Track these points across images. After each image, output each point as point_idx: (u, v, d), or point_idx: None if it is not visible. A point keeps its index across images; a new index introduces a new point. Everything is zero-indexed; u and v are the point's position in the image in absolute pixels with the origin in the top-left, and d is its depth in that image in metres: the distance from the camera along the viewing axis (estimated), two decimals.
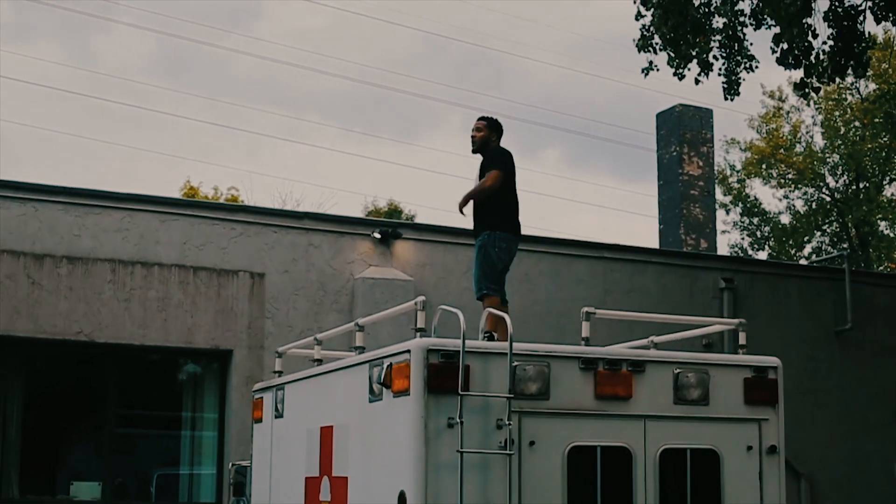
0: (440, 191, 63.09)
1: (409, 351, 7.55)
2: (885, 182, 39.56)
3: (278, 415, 10.33)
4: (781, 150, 39.64)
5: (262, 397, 10.91)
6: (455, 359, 7.49)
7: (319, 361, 10.05)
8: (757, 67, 20.01)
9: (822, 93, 37.93)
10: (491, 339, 9.06)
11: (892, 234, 40.58)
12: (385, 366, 7.84)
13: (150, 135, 58.61)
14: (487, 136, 10.37)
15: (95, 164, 59.93)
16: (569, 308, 17.15)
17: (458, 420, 7.36)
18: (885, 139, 37.36)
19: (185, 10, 65.44)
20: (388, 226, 16.57)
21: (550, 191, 72.11)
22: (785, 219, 41.39)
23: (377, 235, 16.38)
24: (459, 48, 70.86)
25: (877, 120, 36.57)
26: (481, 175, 10.23)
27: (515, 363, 7.62)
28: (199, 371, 15.84)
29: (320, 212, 16.23)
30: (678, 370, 8.22)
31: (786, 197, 41.15)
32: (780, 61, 18.57)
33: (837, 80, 20.46)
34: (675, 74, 20.03)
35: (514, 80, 68.31)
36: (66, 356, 15.23)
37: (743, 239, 42.00)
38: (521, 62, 65.99)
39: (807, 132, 40.15)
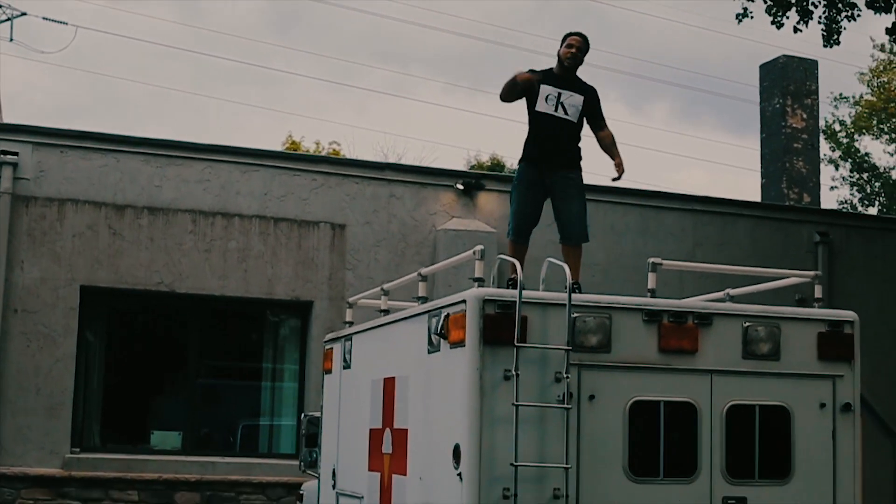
0: None
1: (464, 301, 7.36)
2: None
3: (346, 365, 10.24)
4: (893, 105, 38.53)
5: (332, 348, 10.85)
6: (511, 309, 7.28)
7: (386, 312, 9.91)
8: (859, 16, 19.36)
9: None
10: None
11: None
12: (442, 316, 7.66)
13: (259, 91, 59.14)
14: (583, 58, 9.51)
15: (206, 119, 60.62)
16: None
17: (514, 372, 7.15)
18: None
19: None
20: (471, 177, 16.34)
21: (658, 146, 71.16)
22: None
23: (460, 186, 16.18)
24: (565, 3, 70.05)
25: None
26: (588, 111, 9.40)
27: (575, 314, 7.39)
28: (280, 322, 15.83)
29: (402, 163, 15.96)
30: (748, 323, 7.89)
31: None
32: (869, 4, 17.92)
33: None
34: (772, 23, 19.50)
35: (619, 35, 67.43)
36: (147, 307, 15.34)
37: (853, 195, 41.03)
38: (627, 15, 65.08)
39: None
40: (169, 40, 61.14)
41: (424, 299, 8.72)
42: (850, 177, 40.83)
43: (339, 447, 10.37)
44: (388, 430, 8.87)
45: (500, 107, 62.39)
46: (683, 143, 69.53)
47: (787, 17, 19.39)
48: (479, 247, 7.94)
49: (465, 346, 7.31)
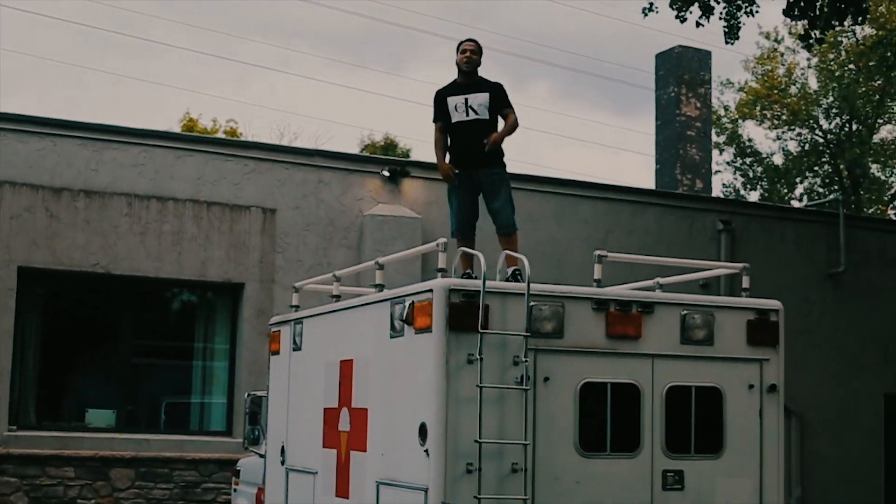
0: (429, 123, 62.83)
1: (431, 290, 7.93)
2: (877, 125, 39.89)
3: (296, 348, 10.72)
4: (776, 92, 39.88)
5: (279, 331, 11.31)
6: (475, 298, 7.88)
7: (338, 297, 10.45)
8: (758, 12, 20.29)
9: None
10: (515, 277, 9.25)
11: (883, 177, 40.97)
12: (407, 304, 8.23)
13: (138, 64, 58.25)
14: (479, 59, 10.32)
15: (83, 92, 59.65)
16: (571, 247, 17.64)
17: (478, 356, 7.76)
18: (879, 82, 37.64)
19: None
20: (397, 164, 16.90)
21: (537, 125, 72.05)
22: (778, 160, 41.75)
23: (386, 173, 16.72)
24: None
25: (871, 63, 36.81)
26: (494, 104, 10.11)
27: (532, 303, 8.01)
28: (212, 304, 16.23)
29: (330, 149, 16.48)
30: (685, 312, 8.61)
31: (778, 138, 41.51)
32: (786, 13, 18.84)
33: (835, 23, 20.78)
34: (677, 17, 20.30)
35: (501, 12, 68.00)
36: (83, 288, 15.65)
37: (735, 179, 42.37)
38: None
39: (801, 74, 40.40)
40: (41, 8, 59.85)
41: (381, 287, 9.30)
42: (734, 162, 42.16)
43: (288, 425, 10.86)
44: (345, 409, 9.41)
45: (383, 84, 62.62)
46: (564, 123, 70.58)
47: (691, 13, 20.18)
48: (443, 239, 8.53)
49: (431, 332, 7.89)
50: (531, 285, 8.05)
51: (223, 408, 15.80)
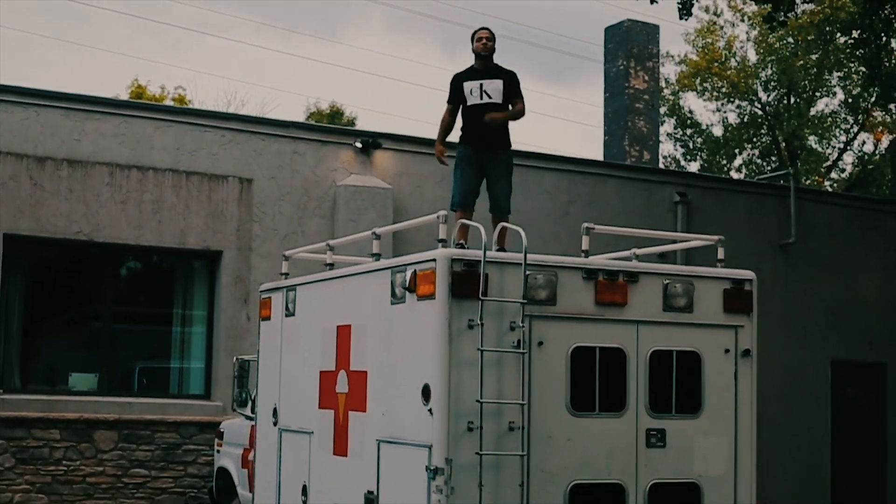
0: (368, 89, 62.82)
1: (434, 259, 8.48)
2: (815, 97, 40.83)
3: (289, 314, 11.22)
4: (716, 64, 40.64)
5: (270, 297, 11.79)
6: (475, 267, 8.43)
7: (332, 266, 10.97)
8: None
9: (755, 8, 39.07)
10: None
11: (820, 149, 41.94)
12: (409, 272, 8.76)
13: (68, 28, 57.37)
14: (494, 46, 11.12)
15: (15, 56, 58.66)
16: (534, 218, 18.18)
17: (479, 322, 8.32)
18: (818, 56, 38.55)
19: None
20: (369, 136, 17.35)
21: None
22: (717, 131, 42.60)
23: (358, 145, 17.18)
24: None
25: (810, 37, 37.70)
26: (507, 91, 10.94)
27: (527, 272, 8.58)
28: (190, 271, 16.63)
29: (305, 121, 16.88)
30: (667, 281, 9.22)
31: (718, 110, 42.33)
32: None
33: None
34: None
35: None
36: (65, 255, 16.00)
37: (676, 150, 43.21)
38: None
39: (741, 47, 41.19)
40: None
41: (378, 256, 9.87)
42: (675, 133, 42.97)
43: (281, 388, 11.36)
44: (342, 372, 9.94)
45: (317, 49, 62.22)
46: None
47: None
48: (443, 212, 9.06)
49: (434, 298, 8.43)
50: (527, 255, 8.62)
51: (201, 372, 16.24)
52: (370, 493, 9.14)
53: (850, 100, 40.05)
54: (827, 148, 42.13)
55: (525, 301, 8.51)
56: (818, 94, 40.69)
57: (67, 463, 14.91)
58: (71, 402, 15.11)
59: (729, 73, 40.43)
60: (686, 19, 21.44)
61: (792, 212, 20.97)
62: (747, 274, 9.64)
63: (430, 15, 66.21)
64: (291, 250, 12.24)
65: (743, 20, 40.14)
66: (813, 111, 40.76)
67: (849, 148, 41.90)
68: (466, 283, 8.42)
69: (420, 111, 67.36)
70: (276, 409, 11.35)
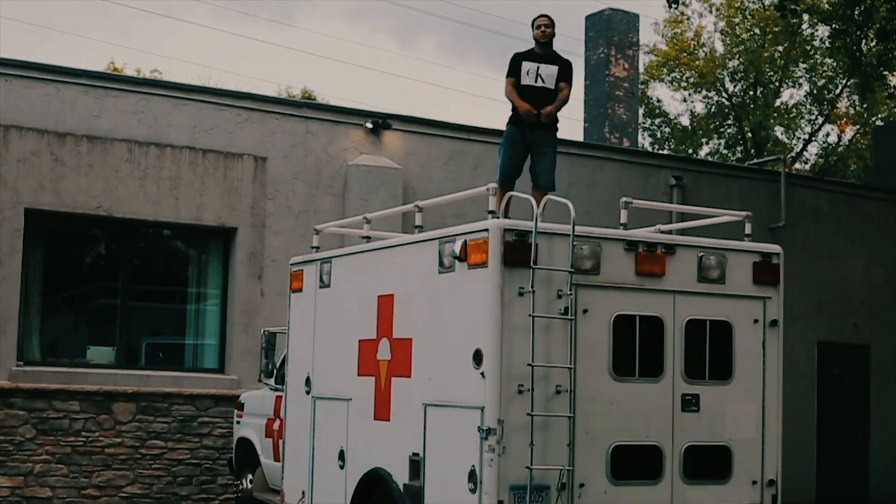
0: (329, 74, 62.51)
1: (487, 230, 8.86)
2: (781, 88, 41.51)
3: (324, 285, 11.56)
4: (685, 54, 41.19)
5: (301, 269, 12.13)
6: (526, 237, 8.83)
7: (368, 238, 11.34)
8: None
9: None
10: None
11: (785, 139, 42.62)
12: (459, 242, 9.13)
13: (16, 5, 56.66)
14: (554, 32, 11.67)
15: None
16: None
17: (531, 289, 8.72)
18: (784, 46, 39.20)
19: None
20: (379, 116, 17.66)
21: (427, 78, 72.44)
22: (685, 121, 43.21)
23: (369, 125, 17.50)
24: None
25: (777, 29, 38.32)
26: (561, 75, 11.48)
27: (574, 243, 8.97)
28: (206, 246, 16.89)
29: (318, 101, 17.19)
30: (701, 254, 9.66)
31: (685, 100, 42.95)
32: None
33: None
34: None
35: None
36: (85, 230, 16.24)
37: (643, 139, 43.82)
38: None
39: (708, 38, 41.78)
40: None
41: (421, 228, 10.25)
42: (643, 122, 43.55)
43: (314, 357, 11.71)
44: (384, 340, 10.31)
45: (271, 34, 61.87)
46: (451, 77, 71.19)
47: None
48: (492, 184, 9.48)
49: (487, 267, 8.82)
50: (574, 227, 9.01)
51: (216, 346, 16.53)
52: (416, 454, 9.53)
53: (815, 91, 40.74)
54: (792, 139, 42.82)
55: (573, 270, 8.90)
56: (785, 84, 41.36)
57: (87, 434, 15.19)
58: (91, 375, 15.37)
59: (697, 63, 40.98)
60: (676, 8, 21.83)
61: (782, 197, 21.47)
62: (775, 248, 10.11)
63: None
64: (322, 224, 12.57)
65: (710, 11, 40.72)
66: (778, 102, 41.41)
67: (813, 139, 42.63)
68: (518, 252, 8.81)
69: (378, 98, 67.62)
70: (308, 378, 11.69)
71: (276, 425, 13.38)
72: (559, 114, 11.55)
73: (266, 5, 64.42)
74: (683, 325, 9.51)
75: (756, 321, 9.87)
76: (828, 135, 42.93)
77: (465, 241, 9.08)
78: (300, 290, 12.14)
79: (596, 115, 26.46)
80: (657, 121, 43.45)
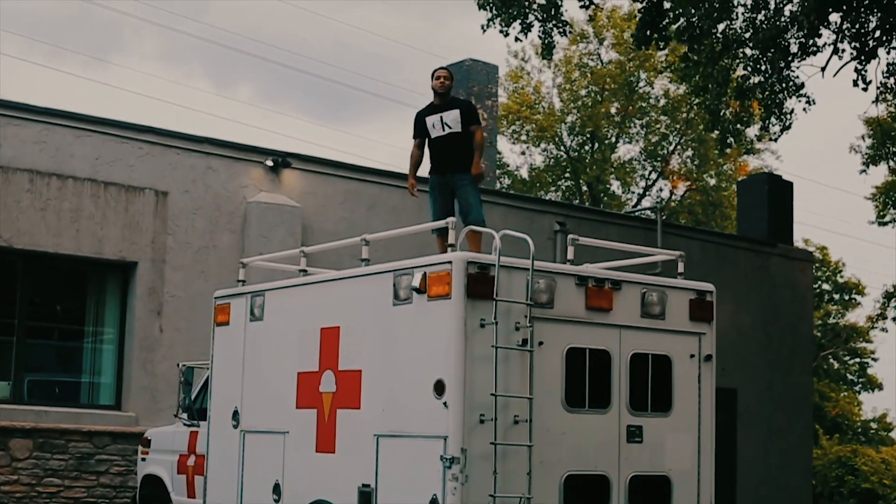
0: (142, 113, 61.82)
1: (450, 262, 9.04)
2: (617, 144, 42.91)
3: (255, 318, 11.52)
4: (526, 108, 42.21)
5: (227, 303, 12.05)
6: (488, 270, 9.04)
7: (305, 272, 11.37)
8: (571, 32, 22.09)
9: (562, 56, 40.89)
10: None
11: (620, 193, 43.95)
12: (419, 275, 9.27)
13: None
14: (451, 84, 12.03)
15: None
16: (430, 239, 18.83)
17: (493, 321, 8.91)
18: (621, 103, 40.64)
19: None
20: (279, 155, 17.69)
21: (244, 120, 72.19)
22: (524, 172, 44.17)
23: (269, 163, 17.52)
24: None
25: (614, 86, 39.75)
26: (465, 119, 11.81)
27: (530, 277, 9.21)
28: (105, 280, 16.60)
29: (219, 138, 17.15)
30: (644, 290, 10.04)
31: (523, 153, 43.98)
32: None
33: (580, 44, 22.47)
34: (500, 31, 21.66)
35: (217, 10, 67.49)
36: None
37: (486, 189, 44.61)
38: None
39: (547, 93, 42.90)
40: None
41: (367, 261, 10.35)
42: None
43: (243, 390, 11.63)
44: (328, 372, 10.34)
45: (84, 71, 60.21)
46: (268, 120, 71.03)
47: (513, 28, 21.60)
48: (452, 219, 9.65)
49: (450, 298, 8.98)
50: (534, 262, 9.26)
51: (112, 382, 16.23)
52: (365, 486, 9.57)
53: (650, 147, 42.13)
54: (626, 192, 44.10)
55: (532, 304, 9.13)
56: (621, 140, 42.72)
57: None
58: None
59: (537, 117, 41.99)
60: (548, 59, 22.40)
61: (658, 243, 22.16)
62: (708, 286, 10.57)
63: (201, 37, 65.93)
64: (250, 258, 12.56)
65: (549, 67, 41.80)
66: (616, 157, 42.72)
67: (647, 194, 44.00)
68: (480, 284, 9.01)
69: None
70: (236, 411, 11.60)
71: (190, 461, 13.21)
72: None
73: (79, 45, 63.14)
74: (629, 358, 9.83)
75: (692, 356, 10.26)
76: (660, 190, 44.29)
77: (426, 272, 9.23)
78: (226, 323, 12.04)
79: None
80: (497, 171, 44.27)
